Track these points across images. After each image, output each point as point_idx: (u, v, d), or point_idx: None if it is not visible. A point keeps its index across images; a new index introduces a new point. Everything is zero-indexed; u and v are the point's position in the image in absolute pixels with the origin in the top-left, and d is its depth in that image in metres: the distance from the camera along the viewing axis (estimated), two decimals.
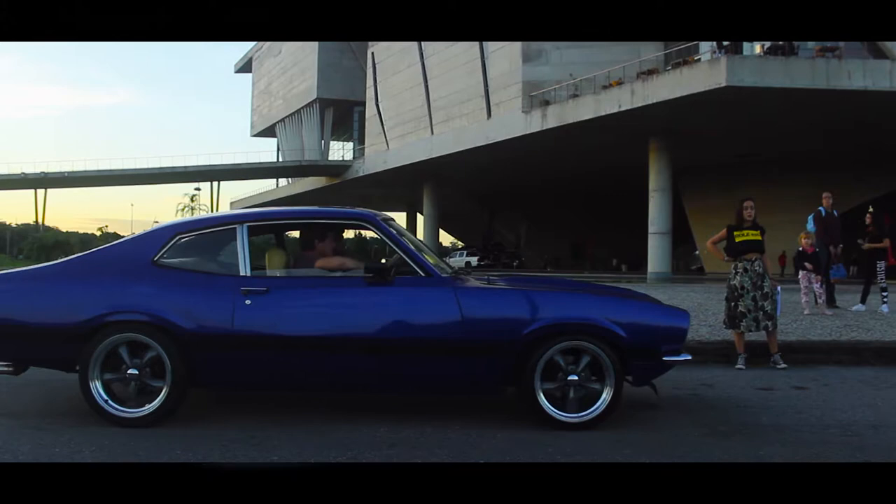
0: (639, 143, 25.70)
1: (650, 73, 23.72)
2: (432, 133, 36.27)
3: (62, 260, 4.40)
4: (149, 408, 3.88)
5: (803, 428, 4.07)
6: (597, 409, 3.91)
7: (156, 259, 4.08)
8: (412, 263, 4.05)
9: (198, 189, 65.80)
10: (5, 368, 4.12)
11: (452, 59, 34.39)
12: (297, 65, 51.81)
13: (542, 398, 3.90)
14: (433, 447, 3.58)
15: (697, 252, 36.31)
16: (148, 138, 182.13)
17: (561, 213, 44.57)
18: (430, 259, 4.18)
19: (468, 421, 4.08)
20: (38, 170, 49.37)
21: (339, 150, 55.59)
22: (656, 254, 25.76)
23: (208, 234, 4.26)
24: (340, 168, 45.37)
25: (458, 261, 37.88)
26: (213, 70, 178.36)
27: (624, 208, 35.77)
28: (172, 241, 4.14)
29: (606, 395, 3.90)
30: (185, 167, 48.57)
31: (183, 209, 73.43)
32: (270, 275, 4.25)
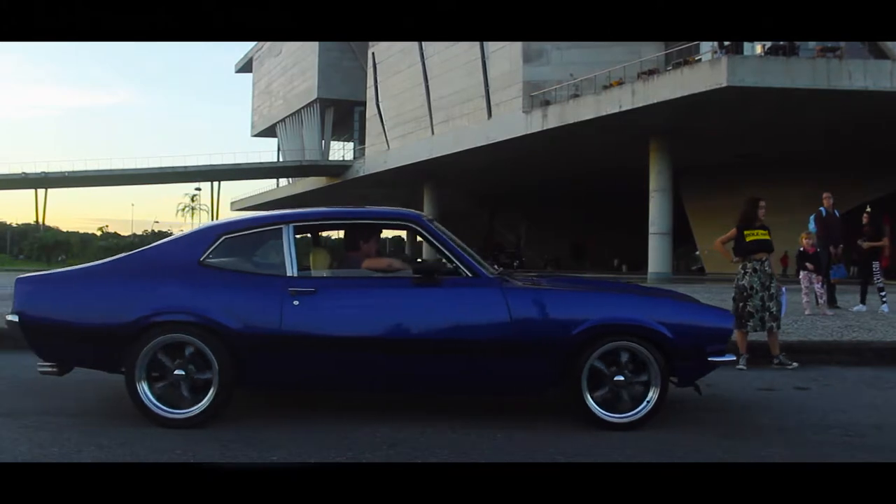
0: (639, 143, 25.70)
1: (651, 73, 23.73)
2: (433, 133, 36.28)
3: (106, 260, 4.37)
4: (196, 409, 3.85)
5: (805, 428, 4.07)
6: (643, 409, 3.92)
7: (202, 260, 4.06)
8: (460, 264, 4.05)
9: (198, 189, 65.90)
10: (49, 369, 4.09)
11: (453, 59, 34.39)
12: (297, 65, 51.82)
13: (588, 398, 3.90)
14: (433, 447, 3.57)
15: (698, 252, 36.32)
16: (148, 138, 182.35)
17: (561, 213, 44.57)
18: (476, 260, 4.17)
19: (468, 421, 4.08)
20: (38, 170, 49.43)
21: (340, 151, 55.67)
22: (657, 254, 25.76)
23: (254, 235, 4.26)
24: (341, 168, 45.39)
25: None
26: (213, 70, 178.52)
27: (624, 209, 35.75)
28: (218, 242, 4.12)
29: (652, 396, 3.91)
30: (186, 167, 48.60)
31: (183, 209, 73.56)
32: (317, 275, 4.24)
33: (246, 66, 63.94)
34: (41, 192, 53.85)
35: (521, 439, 3.77)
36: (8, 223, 73.17)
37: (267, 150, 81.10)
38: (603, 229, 43.02)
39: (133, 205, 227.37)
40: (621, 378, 3.90)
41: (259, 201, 57.23)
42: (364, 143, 45.59)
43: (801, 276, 9.80)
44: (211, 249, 4.09)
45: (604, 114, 24.18)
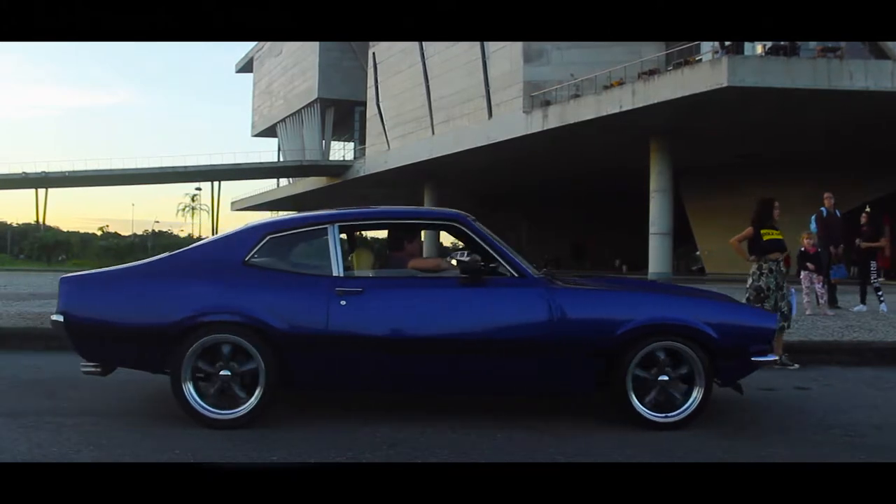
0: (640, 143, 25.70)
1: (651, 73, 23.72)
2: (433, 133, 36.27)
3: (151, 260, 4.36)
4: (242, 409, 3.84)
5: (805, 429, 4.07)
6: (687, 409, 3.92)
7: (247, 259, 4.05)
8: (506, 264, 4.05)
9: (198, 189, 65.94)
10: (93, 369, 4.08)
11: (453, 59, 34.39)
12: (297, 65, 51.83)
13: (633, 398, 3.91)
14: (433, 447, 3.57)
15: (698, 253, 36.32)
16: (148, 138, 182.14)
17: (561, 213, 44.58)
18: (521, 260, 4.16)
19: (468, 421, 4.08)
20: (38, 169, 49.44)
21: (340, 150, 55.66)
22: (657, 254, 25.76)
23: (298, 234, 4.26)
24: (341, 168, 45.40)
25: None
26: (213, 70, 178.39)
27: (624, 209, 35.77)
28: (263, 242, 4.11)
29: (697, 395, 3.92)
30: (186, 167, 48.61)
31: (184, 209, 73.61)
32: (363, 275, 4.24)
33: (246, 66, 63.95)
34: (41, 191, 53.91)
35: (521, 439, 3.77)
36: (8, 223, 73.24)
37: (267, 150, 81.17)
38: (603, 229, 43.03)
39: (133, 205, 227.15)
40: (666, 378, 3.91)
41: (259, 201, 57.25)
42: (364, 143, 45.58)
43: (801, 276, 9.80)
44: (256, 249, 4.08)
45: (604, 114, 24.17)
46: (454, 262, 4.04)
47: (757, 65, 20.93)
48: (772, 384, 5.33)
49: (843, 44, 21.15)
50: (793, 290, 6.41)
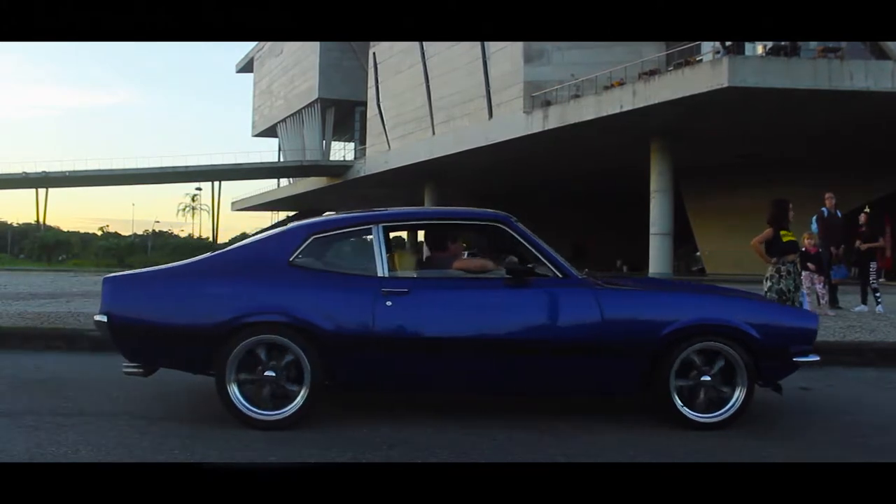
0: (640, 143, 25.69)
1: (652, 73, 23.72)
2: (433, 133, 36.27)
3: (194, 260, 4.35)
4: (287, 410, 3.83)
5: (807, 429, 4.07)
6: (729, 409, 3.93)
7: (292, 260, 4.04)
8: (550, 265, 4.06)
9: (199, 189, 65.96)
10: (135, 370, 4.07)
11: (454, 59, 34.39)
12: (298, 65, 51.84)
13: (676, 399, 3.92)
14: (433, 447, 3.57)
15: (698, 253, 36.30)
16: (149, 138, 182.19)
17: (562, 213, 44.54)
18: (565, 261, 4.16)
19: (468, 421, 4.08)
20: (39, 169, 49.45)
21: (341, 151, 55.65)
22: (657, 255, 25.75)
23: (343, 235, 4.26)
24: (342, 168, 45.39)
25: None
26: (214, 70, 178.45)
27: (625, 209, 35.75)
28: (307, 242, 4.10)
29: (739, 396, 3.93)
30: (187, 167, 48.61)
31: (184, 209, 73.65)
32: (408, 276, 4.24)
33: (247, 67, 63.98)
34: (42, 191, 53.92)
35: (521, 439, 3.76)
36: (9, 223, 73.28)
37: (268, 151, 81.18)
38: (604, 229, 43.00)
39: (133, 205, 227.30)
40: (708, 378, 3.92)
41: (260, 201, 57.27)
42: (365, 144, 45.58)
43: (802, 277, 9.79)
44: (301, 249, 4.07)
45: (605, 114, 24.16)
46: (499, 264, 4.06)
47: (758, 65, 20.93)
48: None
49: (843, 44, 21.15)
50: (803, 290, 6.43)
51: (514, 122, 28.79)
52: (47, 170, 49.21)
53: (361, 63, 46.02)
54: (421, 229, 4.66)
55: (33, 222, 60.68)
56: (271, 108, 58.09)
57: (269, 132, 59.76)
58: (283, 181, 55.94)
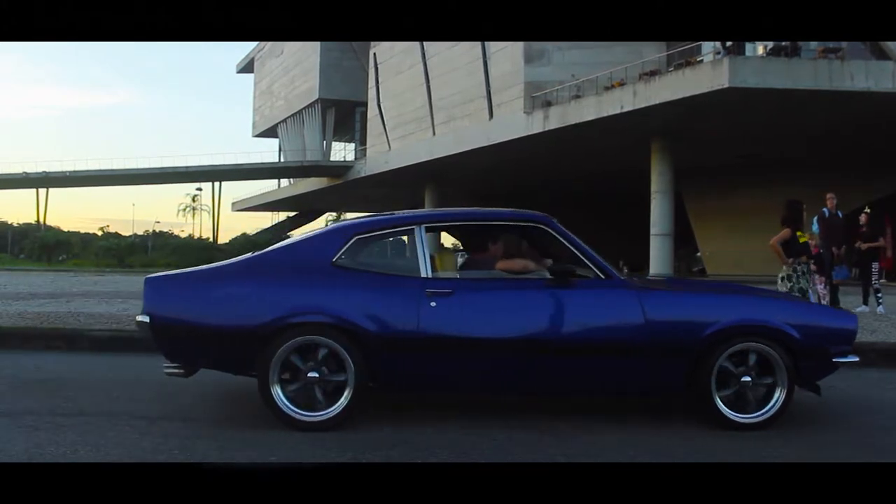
0: (641, 144, 25.70)
1: (652, 73, 23.73)
2: (434, 134, 36.28)
3: (236, 260, 4.34)
4: (331, 411, 3.82)
5: (811, 430, 4.06)
6: (770, 409, 3.94)
7: (335, 260, 4.04)
8: (593, 266, 4.06)
9: (199, 189, 65.95)
10: (176, 371, 4.06)
11: (454, 59, 34.40)
12: (298, 65, 51.87)
13: (717, 399, 3.92)
14: (433, 447, 3.57)
15: (699, 254, 36.31)
16: (149, 138, 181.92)
17: (563, 213, 43.83)
18: (607, 262, 4.17)
19: (469, 421, 4.07)
20: (39, 169, 49.49)
21: (341, 151, 55.67)
22: (658, 255, 25.76)
23: (386, 235, 4.27)
24: (342, 169, 45.41)
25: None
26: (214, 70, 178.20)
27: (626, 210, 35.75)
28: (350, 242, 4.10)
29: (779, 396, 3.94)
30: (187, 167, 48.63)
31: (184, 209, 73.65)
32: (451, 276, 4.22)
33: (247, 67, 64.01)
34: (42, 191, 53.94)
35: (522, 439, 3.76)
36: (9, 223, 73.28)
37: (268, 151, 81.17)
38: (604, 230, 42.86)
39: (134, 205, 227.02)
40: (748, 379, 3.92)
41: (260, 202, 57.27)
42: (365, 144, 45.60)
43: None
44: (344, 250, 4.07)
45: (605, 115, 24.16)
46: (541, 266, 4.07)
47: (758, 65, 20.93)
48: None
49: (844, 44, 21.15)
50: (810, 291, 6.45)
51: (514, 122, 28.80)
52: (48, 170, 49.25)
53: (362, 63, 46.04)
54: (462, 230, 4.64)
55: (34, 222, 60.67)
56: (272, 108, 58.12)
57: (270, 132, 59.79)
58: (284, 181, 55.95)
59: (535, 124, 27.45)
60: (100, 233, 71.49)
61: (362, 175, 42.20)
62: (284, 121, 55.48)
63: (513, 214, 4.40)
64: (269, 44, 56.31)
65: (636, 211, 30.17)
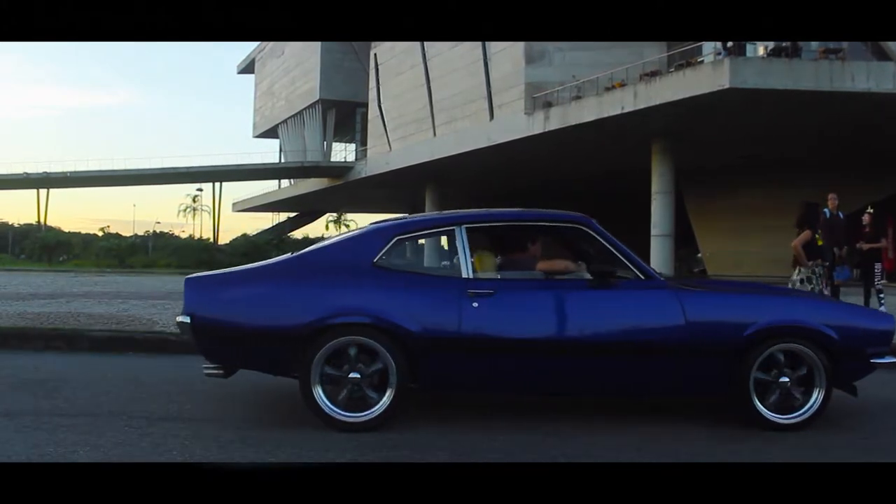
0: (641, 145, 25.68)
1: (653, 74, 23.71)
2: (434, 134, 36.28)
3: (276, 260, 4.34)
4: (373, 412, 3.83)
5: (814, 431, 4.04)
6: (808, 410, 3.96)
7: (376, 261, 4.03)
8: (633, 267, 4.07)
9: (200, 190, 65.96)
10: (215, 371, 4.06)
11: (455, 60, 34.40)
12: (299, 66, 51.88)
13: (755, 400, 3.93)
14: (433, 447, 3.56)
15: (700, 255, 36.30)
16: (149, 139, 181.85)
17: None
18: (646, 263, 4.18)
19: (468, 422, 4.07)
20: (40, 170, 49.51)
21: (342, 152, 55.66)
22: (658, 256, 25.72)
23: (426, 236, 4.29)
24: (343, 169, 45.41)
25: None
26: (215, 71, 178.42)
27: (627, 210, 35.74)
28: (391, 243, 4.10)
29: (817, 397, 3.96)
30: (188, 168, 48.63)
31: (185, 210, 73.67)
32: (492, 277, 4.22)
33: (248, 68, 64.03)
34: (43, 192, 53.96)
35: (522, 440, 3.76)
36: (10, 223, 73.33)
37: (268, 152, 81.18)
38: (605, 230, 43.01)
39: (135, 205, 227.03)
40: (787, 380, 3.93)
41: (261, 202, 57.26)
42: (366, 145, 45.60)
43: None
44: (385, 250, 4.06)
45: (606, 115, 24.14)
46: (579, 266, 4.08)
47: (759, 66, 20.91)
48: None
49: (845, 45, 21.13)
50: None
51: (515, 123, 28.79)
52: (48, 170, 49.27)
53: (363, 64, 46.05)
54: (502, 231, 4.64)
55: (34, 223, 60.71)
56: (272, 108, 58.13)
57: (270, 133, 59.80)
58: (284, 182, 55.96)
59: (536, 125, 27.44)
60: (100, 233, 71.48)
61: (363, 176, 42.20)
62: (285, 121, 55.48)
63: (554, 215, 4.41)
64: (270, 44, 56.33)
65: (637, 212, 30.17)
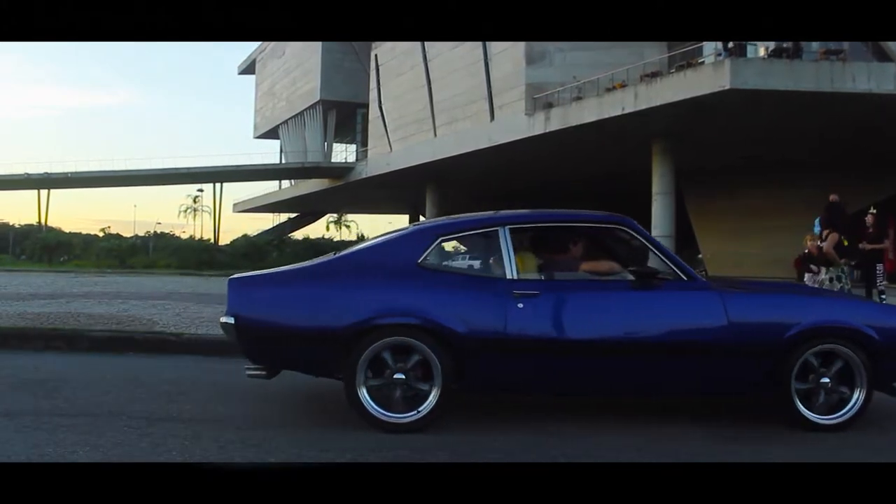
0: (642, 145, 25.69)
1: (653, 75, 23.71)
2: (435, 135, 36.29)
3: (320, 261, 4.33)
4: (419, 412, 3.82)
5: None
6: (849, 410, 3.96)
7: (420, 261, 4.02)
8: (675, 268, 4.07)
9: (200, 190, 66.00)
10: (258, 372, 4.05)
11: (455, 61, 34.41)
12: (300, 66, 51.91)
13: (797, 400, 3.93)
14: (433, 448, 3.56)
15: (700, 255, 36.31)
16: (149, 139, 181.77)
17: None
18: (688, 264, 4.18)
19: (469, 423, 4.07)
20: (41, 170, 49.56)
21: (343, 152, 55.68)
22: None
23: (470, 237, 4.29)
24: (343, 170, 45.43)
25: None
26: (215, 71, 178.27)
27: (627, 211, 35.69)
28: (435, 243, 4.10)
29: (859, 397, 3.95)
30: (189, 168, 48.65)
31: (186, 210, 73.73)
32: (536, 278, 4.21)
33: (249, 68, 64.08)
34: (43, 192, 54.00)
35: (523, 440, 3.75)
36: (10, 224, 73.32)
37: (269, 152, 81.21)
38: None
39: (135, 206, 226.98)
40: (828, 380, 3.93)
41: (261, 203, 57.30)
42: (366, 145, 45.61)
43: (805, 278, 9.77)
44: (429, 251, 4.06)
45: (606, 116, 24.15)
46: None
47: (760, 67, 20.91)
48: None
49: (845, 46, 21.13)
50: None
51: (515, 123, 28.80)
52: (49, 171, 49.32)
53: (363, 65, 46.07)
54: (545, 232, 4.63)
55: (35, 223, 60.71)
56: (273, 109, 58.15)
57: (271, 134, 59.84)
58: (285, 183, 55.99)
59: (537, 126, 27.45)
60: (101, 234, 71.44)
61: (364, 176, 42.22)
62: (286, 122, 55.52)
63: (594, 216, 4.42)
64: (271, 45, 56.37)
65: (637, 212, 30.13)
